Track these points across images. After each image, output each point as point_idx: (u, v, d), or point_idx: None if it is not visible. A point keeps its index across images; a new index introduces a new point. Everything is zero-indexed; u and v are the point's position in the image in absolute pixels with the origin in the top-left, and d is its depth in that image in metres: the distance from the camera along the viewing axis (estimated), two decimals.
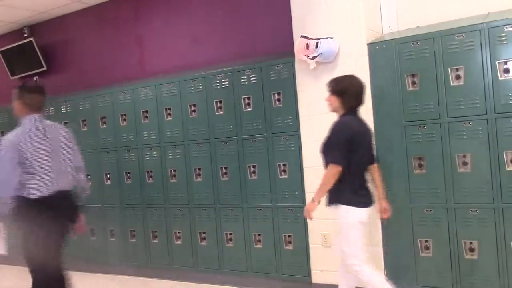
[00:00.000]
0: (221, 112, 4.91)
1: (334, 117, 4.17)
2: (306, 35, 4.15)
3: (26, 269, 3.63)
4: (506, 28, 3.59)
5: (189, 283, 5.14)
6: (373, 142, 3.70)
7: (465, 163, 3.76)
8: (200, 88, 5.02)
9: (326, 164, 3.48)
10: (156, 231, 5.41)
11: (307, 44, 4.11)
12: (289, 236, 4.58)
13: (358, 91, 3.48)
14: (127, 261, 5.64)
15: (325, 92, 4.19)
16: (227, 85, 4.86)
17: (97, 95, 5.79)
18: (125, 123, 5.56)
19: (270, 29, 4.94)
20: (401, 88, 3.97)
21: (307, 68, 4.23)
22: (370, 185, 3.60)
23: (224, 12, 5.28)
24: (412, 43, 3.92)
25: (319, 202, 3.46)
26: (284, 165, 4.58)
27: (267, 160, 4.65)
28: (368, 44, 4.08)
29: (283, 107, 4.55)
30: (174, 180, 5.24)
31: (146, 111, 5.39)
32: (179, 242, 5.25)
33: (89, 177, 5.85)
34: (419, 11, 4.29)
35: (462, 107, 3.74)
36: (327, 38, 4.13)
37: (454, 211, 3.80)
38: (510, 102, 3.58)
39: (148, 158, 5.41)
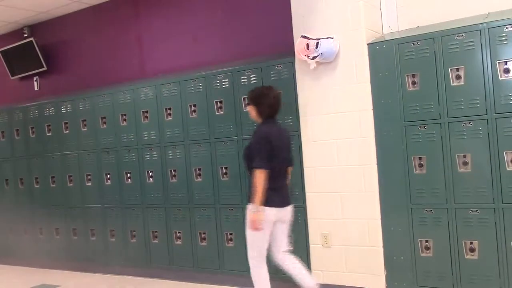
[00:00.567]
0: (221, 112, 4.90)
1: (334, 118, 4.19)
2: (306, 35, 4.15)
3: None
4: (506, 28, 3.59)
5: (189, 283, 5.14)
6: (292, 146, 4.05)
7: (465, 163, 3.75)
8: (200, 88, 5.02)
9: (249, 168, 3.76)
10: (156, 231, 5.41)
11: (307, 44, 4.11)
12: (289, 236, 4.57)
13: (272, 100, 3.79)
14: (127, 261, 5.64)
15: (326, 92, 4.23)
16: (227, 85, 4.86)
17: (97, 95, 5.79)
18: (125, 123, 5.56)
19: (270, 29, 4.94)
20: (401, 88, 3.97)
21: (307, 68, 4.22)
22: (287, 186, 3.89)
23: (224, 12, 5.29)
24: (413, 43, 3.91)
25: (262, 209, 3.63)
26: None
27: None
28: (368, 44, 4.08)
29: (283, 107, 4.52)
30: (174, 180, 5.24)
31: (146, 111, 5.39)
32: (179, 242, 5.25)
33: (89, 177, 5.87)
34: (419, 11, 4.29)
35: (463, 107, 3.73)
36: (327, 38, 4.12)
37: (454, 211, 3.80)
38: (511, 102, 3.58)
39: (148, 158, 5.41)
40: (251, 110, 3.87)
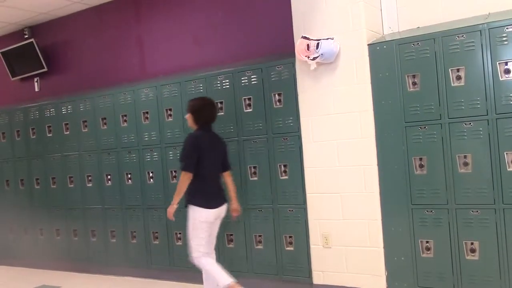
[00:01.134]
0: (222, 113, 4.90)
1: (335, 118, 4.20)
2: (307, 36, 4.15)
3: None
4: (506, 28, 3.59)
5: (189, 284, 5.13)
6: (227, 152, 4.38)
7: (466, 164, 3.75)
8: (201, 89, 5.02)
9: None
10: (156, 232, 5.41)
11: (308, 45, 4.11)
12: (290, 237, 4.58)
13: (207, 110, 4.19)
14: (127, 262, 5.64)
15: (326, 93, 4.23)
16: (228, 86, 4.86)
17: (97, 96, 5.80)
18: (125, 124, 5.56)
19: (270, 30, 4.94)
20: (402, 89, 3.97)
21: (308, 69, 4.23)
22: (221, 188, 4.23)
23: (224, 13, 5.29)
24: (413, 44, 3.92)
25: (177, 204, 4.09)
26: (285, 165, 4.58)
27: (267, 160, 4.65)
28: (368, 44, 4.08)
29: (284, 107, 4.55)
30: (175, 181, 5.23)
31: (147, 112, 5.39)
32: (179, 243, 5.24)
33: (90, 178, 5.87)
34: (419, 11, 4.30)
35: (463, 107, 3.73)
36: (327, 38, 4.12)
37: (455, 211, 3.80)
38: (511, 102, 3.58)
39: (148, 159, 5.41)
40: (189, 118, 4.21)
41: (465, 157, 3.75)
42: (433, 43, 3.84)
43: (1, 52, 6.86)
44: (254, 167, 4.74)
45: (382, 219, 4.07)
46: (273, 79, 4.60)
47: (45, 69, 6.60)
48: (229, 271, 4.90)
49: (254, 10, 5.10)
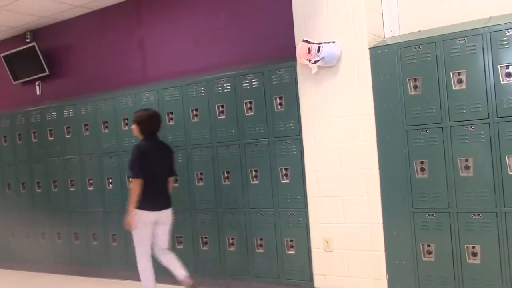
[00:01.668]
0: (223, 117, 4.91)
1: (336, 122, 4.20)
2: (308, 40, 4.15)
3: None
4: (508, 32, 3.59)
5: None
6: (173, 159, 4.62)
7: (467, 167, 3.75)
8: (202, 92, 5.03)
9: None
10: None
11: (309, 49, 4.11)
12: (291, 240, 4.57)
13: (152, 121, 4.46)
14: (129, 265, 5.62)
15: (327, 96, 4.23)
16: (229, 90, 4.86)
17: (99, 99, 5.80)
18: (127, 128, 5.56)
19: (272, 34, 4.95)
20: (403, 92, 3.97)
21: (309, 73, 4.23)
22: (166, 193, 4.46)
23: (226, 17, 5.30)
24: (414, 47, 3.92)
25: (132, 212, 4.27)
26: (286, 169, 4.57)
27: (269, 164, 4.65)
28: (370, 48, 4.08)
29: (285, 111, 4.55)
30: (175, 185, 5.23)
31: None
32: (180, 246, 5.24)
33: (91, 181, 5.87)
34: (420, 15, 4.30)
35: (464, 111, 3.73)
36: (329, 42, 4.13)
37: (456, 215, 3.79)
38: None
39: None
40: (135, 129, 4.48)
41: (466, 160, 3.75)
42: (434, 46, 3.84)
43: (3, 56, 6.87)
44: (256, 171, 4.74)
45: (383, 223, 4.06)
46: (274, 82, 4.61)
47: (47, 73, 6.61)
48: (230, 275, 4.91)
49: (255, 13, 5.11)
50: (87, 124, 5.89)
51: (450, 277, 3.83)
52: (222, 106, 4.91)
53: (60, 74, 6.66)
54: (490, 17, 3.90)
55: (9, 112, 6.73)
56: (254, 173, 4.75)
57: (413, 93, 3.94)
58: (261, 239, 4.74)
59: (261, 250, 4.74)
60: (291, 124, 4.52)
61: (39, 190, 6.34)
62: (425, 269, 3.93)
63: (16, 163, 6.57)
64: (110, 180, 5.73)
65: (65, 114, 6.10)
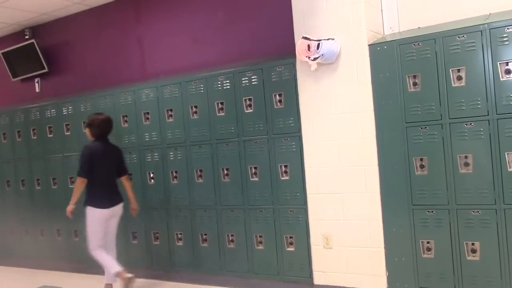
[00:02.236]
0: (223, 114, 4.90)
1: (336, 119, 4.20)
2: (307, 36, 4.14)
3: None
4: (507, 29, 3.59)
5: (190, 284, 5.13)
6: (123, 159, 5.00)
7: (466, 164, 3.75)
8: (202, 89, 5.02)
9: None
10: (157, 233, 5.41)
11: (308, 45, 4.10)
12: (291, 237, 4.58)
13: (102, 124, 4.82)
14: (128, 262, 5.62)
15: (327, 93, 4.23)
16: (228, 86, 4.86)
17: (98, 96, 5.80)
18: (126, 125, 5.56)
19: (271, 30, 4.94)
20: (403, 89, 3.97)
21: (308, 69, 4.22)
22: (115, 191, 4.84)
23: (225, 13, 5.29)
24: (414, 44, 3.91)
25: (74, 204, 4.76)
26: (285, 166, 4.58)
27: (268, 161, 4.65)
28: (369, 45, 4.08)
29: (284, 108, 4.55)
30: (175, 182, 5.24)
31: (148, 113, 5.40)
32: (180, 243, 5.25)
33: None
34: (420, 12, 4.29)
35: (464, 108, 3.73)
36: (328, 39, 4.12)
37: (456, 212, 3.80)
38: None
39: (149, 160, 5.41)
40: (87, 132, 4.89)
41: (466, 157, 3.75)
42: (433, 43, 3.83)
43: (2, 53, 6.86)
44: (255, 168, 4.74)
45: (382, 220, 4.06)
46: (273, 79, 4.60)
47: (46, 70, 6.61)
48: (230, 272, 4.92)
49: (254, 10, 5.10)
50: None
51: (450, 274, 3.83)
52: (222, 103, 4.91)
53: (59, 71, 6.65)
54: (490, 14, 3.90)
55: (8, 109, 6.72)
56: (253, 170, 4.75)
57: (412, 90, 3.94)
58: (260, 236, 4.74)
59: (260, 247, 4.75)
60: (291, 121, 4.52)
61: (39, 187, 6.34)
62: (424, 266, 3.93)
63: (15, 160, 6.56)
64: None
65: (64, 111, 6.09)
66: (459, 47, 3.74)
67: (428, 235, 3.91)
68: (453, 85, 3.78)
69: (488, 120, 3.65)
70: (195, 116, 5.07)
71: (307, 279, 4.47)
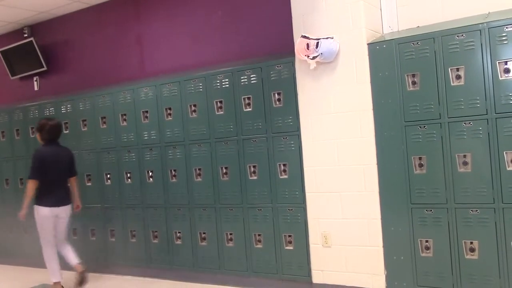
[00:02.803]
0: (222, 112, 4.91)
1: (335, 118, 4.20)
2: (306, 35, 4.15)
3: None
4: (506, 28, 3.59)
5: (189, 283, 5.14)
6: (73, 161, 5.19)
7: (465, 163, 3.76)
8: (201, 88, 5.02)
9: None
10: (156, 231, 5.41)
11: (307, 44, 4.11)
12: (290, 236, 4.58)
13: (51, 129, 5.02)
14: (127, 261, 5.64)
15: (326, 92, 4.23)
16: (227, 85, 4.86)
17: (97, 95, 5.79)
18: (125, 123, 5.56)
19: (270, 29, 4.94)
20: (402, 88, 3.97)
21: (307, 68, 4.22)
22: (65, 192, 5.08)
23: (224, 12, 5.29)
24: (413, 43, 3.92)
25: (26, 208, 4.97)
26: (284, 165, 4.58)
27: (267, 160, 4.65)
28: (368, 44, 4.08)
29: (284, 107, 4.55)
30: (174, 180, 5.24)
31: (147, 111, 5.40)
32: (179, 242, 5.25)
33: (89, 177, 5.87)
34: (419, 11, 4.29)
35: (463, 107, 3.74)
36: (327, 38, 4.12)
37: (454, 211, 3.80)
38: (511, 102, 3.58)
39: (148, 158, 5.41)
40: (37, 136, 5.10)
41: (464, 156, 3.76)
42: (432, 42, 3.84)
43: (1, 51, 6.85)
44: (254, 166, 4.74)
45: (381, 219, 4.07)
46: (272, 78, 4.60)
47: (45, 68, 6.60)
48: (228, 270, 4.93)
49: (253, 9, 5.10)
50: (85, 120, 5.89)
51: (448, 273, 3.84)
52: (221, 102, 4.91)
53: (58, 70, 6.64)
54: (489, 13, 3.90)
55: (7, 108, 6.71)
56: (252, 169, 4.75)
57: (411, 89, 3.94)
58: (259, 235, 4.75)
59: (259, 246, 4.75)
60: (290, 120, 4.52)
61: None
62: (423, 265, 3.94)
63: (14, 158, 6.56)
64: (108, 176, 5.73)
65: (63, 110, 6.09)
66: (458, 46, 3.74)
67: (427, 234, 3.92)
68: (452, 84, 3.78)
69: (487, 119, 3.66)
70: (194, 115, 5.07)
71: (306, 277, 4.47)
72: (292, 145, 4.51)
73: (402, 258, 4.01)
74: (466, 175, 3.75)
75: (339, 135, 4.19)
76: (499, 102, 3.62)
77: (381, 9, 4.40)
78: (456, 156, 3.78)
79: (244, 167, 4.78)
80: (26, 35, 6.77)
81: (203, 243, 5.09)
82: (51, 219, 4.95)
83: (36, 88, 6.89)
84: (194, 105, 5.07)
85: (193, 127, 5.08)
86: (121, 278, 5.59)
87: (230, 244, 4.92)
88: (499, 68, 3.62)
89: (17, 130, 6.53)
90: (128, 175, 5.58)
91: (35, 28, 6.77)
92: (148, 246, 5.47)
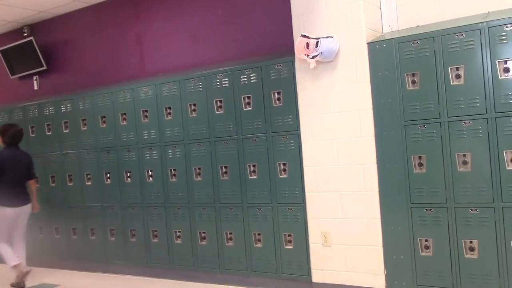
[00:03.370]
0: (221, 111, 4.90)
1: (334, 117, 4.19)
2: (306, 34, 4.14)
3: None
4: (506, 27, 3.59)
5: (189, 282, 5.14)
6: (32, 164, 5.56)
7: (465, 162, 3.76)
8: (200, 87, 5.02)
9: None
10: (156, 231, 5.41)
11: (307, 43, 4.10)
12: (289, 235, 4.58)
13: (14, 135, 5.44)
14: (127, 260, 5.64)
15: (325, 91, 4.23)
16: (227, 84, 4.86)
17: (97, 94, 5.79)
18: (125, 123, 5.56)
19: (270, 29, 4.94)
20: (401, 87, 3.97)
21: (307, 68, 4.22)
22: (24, 192, 5.44)
23: (224, 11, 5.28)
24: (412, 42, 3.92)
25: None
26: (284, 164, 4.58)
27: (267, 159, 4.65)
28: (368, 43, 4.08)
29: (283, 106, 4.55)
30: (174, 180, 5.24)
31: (146, 111, 5.39)
32: (179, 241, 5.25)
33: (89, 176, 5.87)
34: (419, 10, 4.29)
35: (462, 106, 3.73)
36: (327, 37, 4.12)
37: (454, 210, 3.80)
38: (510, 101, 3.58)
39: (148, 158, 5.41)
40: (0, 139, 5.48)
41: (464, 155, 3.76)
42: (432, 41, 3.84)
43: (0, 50, 6.85)
44: (254, 166, 4.74)
45: (381, 218, 4.07)
46: (272, 77, 4.60)
47: (44, 68, 6.60)
48: (228, 270, 4.93)
49: (253, 8, 5.09)
50: (85, 119, 5.89)
51: (448, 272, 3.84)
52: (220, 101, 4.90)
53: (57, 69, 6.64)
54: (488, 12, 3.90)
55: (7, 107, 6.71)
56: (252, 168, 4.75)
57: (411, 88, 3.94)
58: (259, 234, 4.75)
59: (259, 245, 4.75)
60: (289, 119, 4.52)
61: (37, 185, 6.33)
62: (422, 264, 3.94)
63: None
64: (108, 175, 5.73)
65: (63, 109, 6.09)
66: (457, 45, 3.74)
67: (427, 233, 3.92)
68: (451, 83, 3.78)
69: (487, 119, 3.66)
70: (194, 114, 5.07)
71: (306, 277, 4.48)
72: (292, 144, 4.51)
73: (401, 257, 4.01)
74: (466, 175, 3.75)
75: (339, 135, 4.19)
76: (499, 101, 3.62)
77: (381, 9, 4.39)
78: (456, 155, 3.78)
79: (244, 167, 4.78)
80: (25, 34, 6.76)
81: (203, 243, 5.09)
82: (12, 218, 5.29)
83: (35, 88, 6.89)
84: (194, 105, 5.06)
85: (192, 126, 5.07)
86: (121, 277, 5.59)
87: (230, 243, 4.92)
88: (499, 68, 3.62)
89: None
90: (128, 174, 5.57)
91: (35, 27, 6.77)
92: (148, 245, 5.47)
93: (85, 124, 5.89)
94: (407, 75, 3.95)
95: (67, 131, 6.04)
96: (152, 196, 5.40)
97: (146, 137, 5.41)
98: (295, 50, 4.23)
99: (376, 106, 4.06)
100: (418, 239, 3.95)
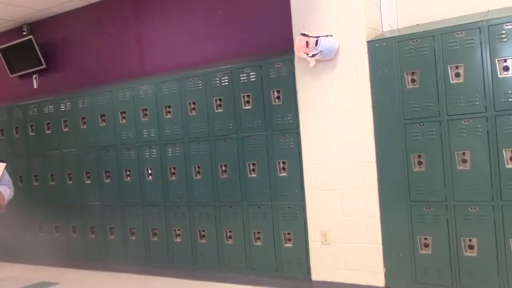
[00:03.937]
0: (221, 110, 4.91)
1: (334, 116, 4.20)
2: (306, 33, 4.14)
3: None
4: (506, 25, 3.59)
5: (188, 280, 5.14)
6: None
7: (464, 161, 3.76)
8: (200, 86, 5.02)
9: None
10: (155, 229, 5.42)
11: (307, 42, 4.10)
12: (289, 233, 4.59)
13: None
14: (126, 259, 5.64)
15: (325, 90, 4.24)
16: (227, 83, 4.86)
17: (96, 93, 5.79)
18: (124, 121, 5.56)
19: (269, 27, 4.94)
20: (401, 86, 3.97)
21: (307, 66, 4.23)
22: None
23: (223, 10, 5.29)
24: (412, 41, 3.92)
25: None
26: (283, 162, 4.58)
27: (266, 157, 4.65)
28: (368, 41, 4.08)
29: (283, 105, 4.56)
30: (173, 178, 5.25)
31: (146, 109, 5.39)
32: (178, 240, 5.25)
33: (88, 175, 5.87)
34: (419, 8, 4.29)
35: (462, 104, 3.74)
36: (326, 35, 4.12)
37: (453, 208, 3.81)
38: (510, 99, 3.59)
39: (147, 156, 5.41)
40: None
41: (463, 154, 3.76)
42: (432, 40, 3.84)
43: (0, 49, 6.84)
44: (253, 164, 4.74)
45: (380, 216, 4.07)
46: (272, 76, 4.61)
47: (44, 66, 6.59)
48: (228, 268, 4.94)
49: (253, 7, 5.09)
50: (84, 118, 5.89)
51: (447, 270, 3.85)
52: (220, 100, 4.91)
53: (57, 67, 6.64)
54: (488, 10, 3.91)
55: (6, 106, 6.71)
56: (251, 167, 4.75)
57: (410, 86, 3.95)
58: (258, 232, 4.75)
59: (258, 243, 4.76)
60: (289, 118, 4.52)
61: (37, 184, 6.34)
62: (422, 262, 3.95)
63: (13, 156, 6.54)
64: (107, 174, 5.73)
65: (62, 108, 6.09)
66: (457, 44, 3.75)
67: (426, 231, 3.93)
68: (451, 82, 3.78)
69: (486, 117, 3.66)
70: (194, 113, 5.07)
71: (305, 275, 4.48)
72: (292, 142, 4.51)
73: (401, 255, 4.02)
74: (465, 173, 3.76)
75: (339, 133, 4.19)
76: (498, 99, 3.62)
77: (380, 7, 4.40)
78: (455, 153, 3.78)
79: (244, 165, 4.78)
80: (25, 33, 6.76)
81: (203, 241, 5.09)
82: None
83: (35, 86, 6.88)
84: (194, 103, 5.07)
85: (192, 125, 5.08)
86: (121, 276, 5.59)
87: (230, 241, 4.93)
88: (499, 66, 3.62)
89: (16, 128, 6.52)
90: (128, 173, 5.58)
91: (34, 26, 6.76)
92: (147, 244, 5.48)
93: (84, 123, 5.89)
94: (406, 73, 3.95)
95: (67, 129, 6.04)
96: (152, 195, 5.40)
97: (145, 135, 5.41)
98: (294, 48, 4.23)
99: (375, 105, 4.06)
100: (418, 237, 3.96)
